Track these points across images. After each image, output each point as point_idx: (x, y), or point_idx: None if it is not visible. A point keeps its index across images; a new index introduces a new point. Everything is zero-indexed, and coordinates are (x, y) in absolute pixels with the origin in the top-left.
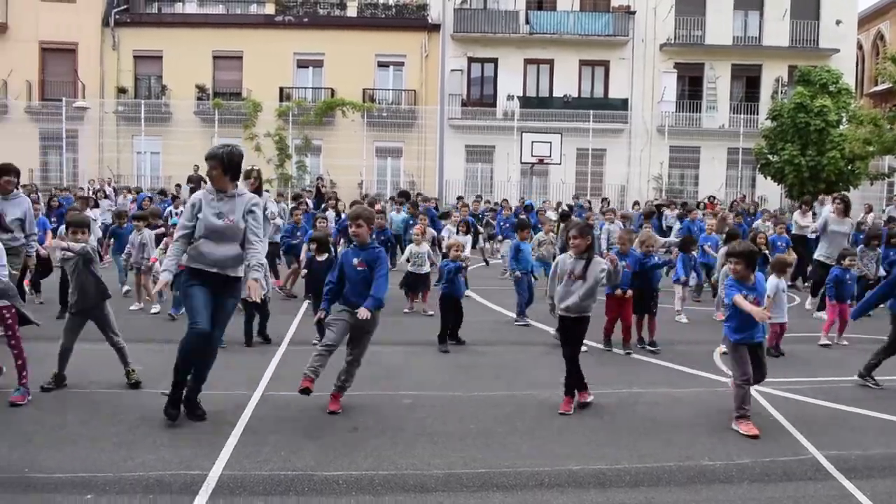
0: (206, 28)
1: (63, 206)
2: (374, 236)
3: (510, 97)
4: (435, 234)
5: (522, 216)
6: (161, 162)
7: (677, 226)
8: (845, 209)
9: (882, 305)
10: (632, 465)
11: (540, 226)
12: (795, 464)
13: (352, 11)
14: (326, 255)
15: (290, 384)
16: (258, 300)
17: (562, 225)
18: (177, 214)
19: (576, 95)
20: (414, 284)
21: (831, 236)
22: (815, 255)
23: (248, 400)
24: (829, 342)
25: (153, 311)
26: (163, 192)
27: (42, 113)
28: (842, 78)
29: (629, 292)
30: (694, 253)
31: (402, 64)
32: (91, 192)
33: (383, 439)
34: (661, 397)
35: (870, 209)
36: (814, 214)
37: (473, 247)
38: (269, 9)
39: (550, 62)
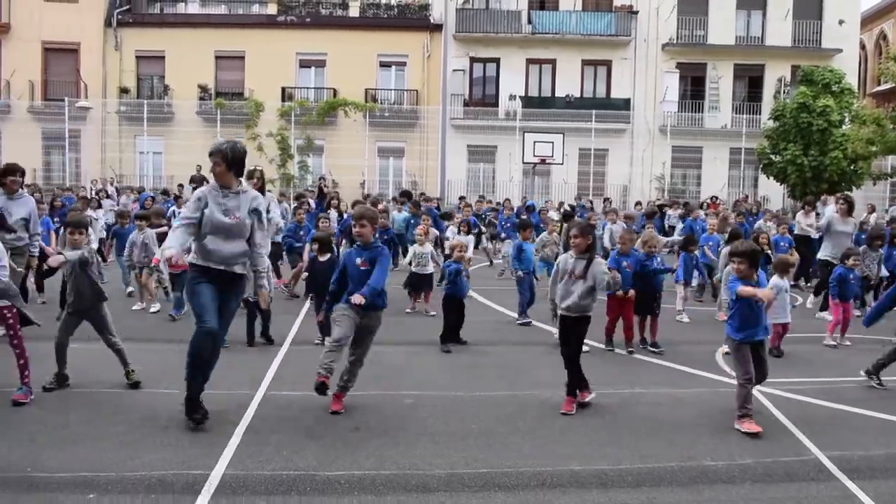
0: (208, 28)
1: (66, 206)
2: (376, 236)
3: (512, 97)
4: (438, 233)
5: (524, 216)
6: (163, 162)
7: (680, 225)
8: (849, 209)
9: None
10: (634, 465)
11: (543, 226)
12: (798, 464)
13: (354, 11)
14: (329, 256)
15: (292, 384)
16: (265, 307)
17: (565, 225)
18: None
19: (578, 95)
20: (418, 284)
21: (835, 236)
22: (820, 255)
23: (251, 400)
24: (835, 342)
25: (153, 309)
26: (165, 192)
27: (45, 113)
28: (844, 78)
29: (631, 292)
30: (696, 252)
31: (404, 64)
32: (93, 193)
33: (385, 439)
34: (664, 397)
35: (872, 209)
36: (817, 215)
37: (476, 247)
38: (272, 9)
39: (553, 62)
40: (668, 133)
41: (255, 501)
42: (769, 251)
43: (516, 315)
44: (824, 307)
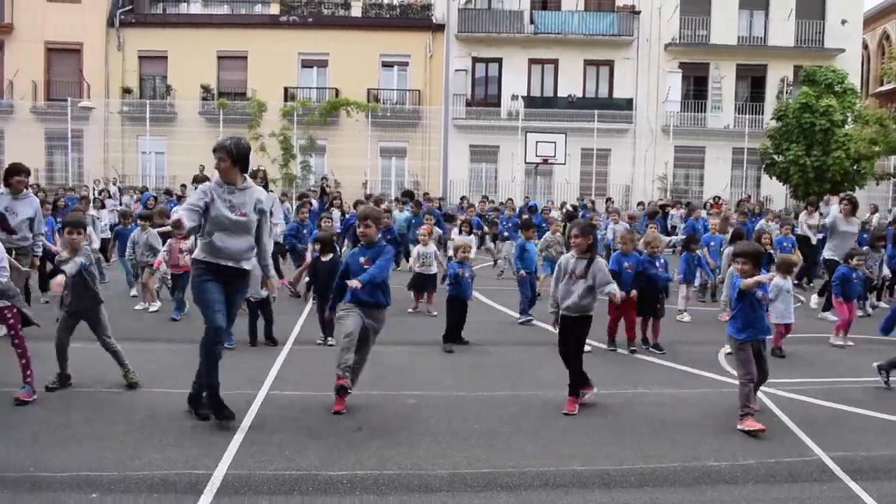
0: (210, 28)
1: (69, 206)
2: (379, 235)
3: (514, 97)
4: (441, 232)
5: (526, 216)
6: (166, 162)
7: (682, 226)
8: (853, 209)
9: (884, 305)
10: (636, 465)
11: (546, 226)
12: (801, 465)
13: (356, 11)
14: (331, 256)
15: (294, 384)
16: (274, 295)
17: (568, 225)
18: None
19: (580, 95)
20: (422, 285)
21: (840, 236)
22: (826, 255)
23: (253, 400)
24: (842, 343)
25: (152, 309)
26: (168, 192)
27: (47, 113)
28: (847, 78)
29: (633, 292)
30: (698, 252)
31: (406, 64)
32: (96, 193)
33: (388, 439)
34: (666, 398)
35: (875, 209)
36: (820, 215)
37: (480, 247)
38: (274, 9)
39: (555, 62)
40: (670, 133)
41: (258, 501)
42: (771, 251)
43: (518, 315)
44: (827, 308)
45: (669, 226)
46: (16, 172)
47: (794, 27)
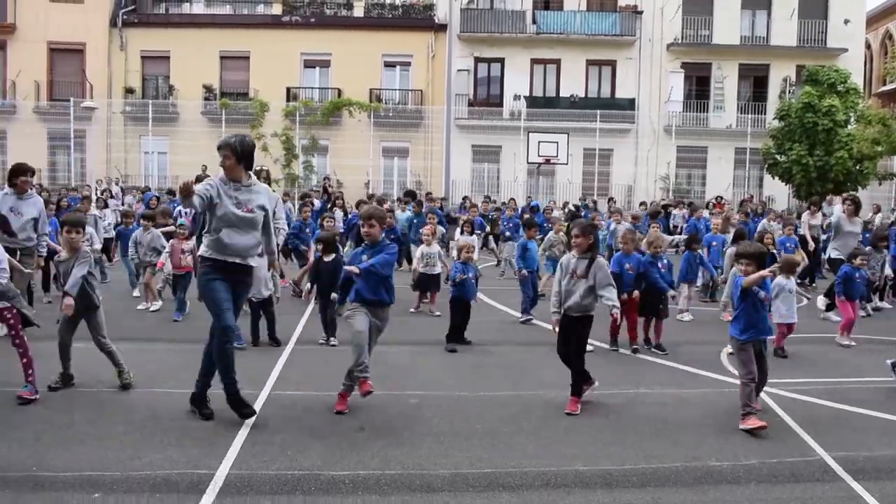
0: (213, 28)
1: (71, 206)
2: (383, 235)
3: (517, 97)
4: (444, 230)
5: (527, 216)
6: (168, 162)
7: (685, 226)
8: (856, 209)
9: (887, 305)
10: (638, 465)
11: (548, 226)
12: (803, 465)
13: (358, 11)
14: (333, 256)
15: (296, 384)
16: (277, 295)
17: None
18: (185, 214)
19: (582, 95)
20: (426, 284)
21: (844, 236)
22: (831, 255)
23: (255, 399)
24: (849, 342)
25: (153, 308)
26: (171, 192)
27: (50, 113)
28: (850, 77)
29: (635, 293)
30: (700, 251)
31: (408, 64)
32: (98, 192)
33: (390, 439)
34: (668, 398)
35: (878, 209)
36: (823, 215)
37: (484, 247)
38: (276, 9)
39: (557, 62)
40: (672, 133)
41: (260, 501)
42: (774, 250)
43: (519, 314)
44: (830, 308)
45: (672, 226)
46: (21, 172)
47: (796, 27)
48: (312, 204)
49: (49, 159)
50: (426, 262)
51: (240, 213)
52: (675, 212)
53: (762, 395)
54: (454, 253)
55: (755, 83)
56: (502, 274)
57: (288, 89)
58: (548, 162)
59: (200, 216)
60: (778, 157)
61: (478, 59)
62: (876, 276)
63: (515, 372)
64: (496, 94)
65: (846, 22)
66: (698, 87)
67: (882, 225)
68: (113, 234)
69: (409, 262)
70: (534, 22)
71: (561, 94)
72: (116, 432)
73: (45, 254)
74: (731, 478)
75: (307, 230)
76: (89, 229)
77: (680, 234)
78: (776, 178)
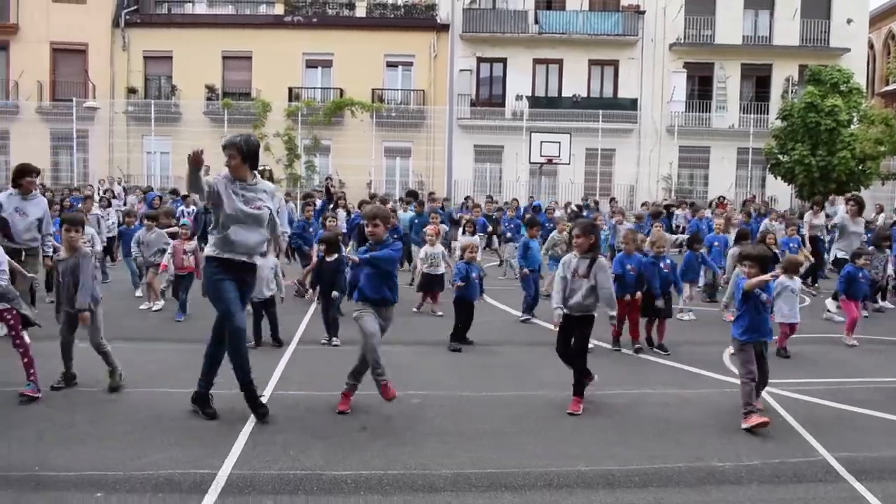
0: (215, 28)
1: (75, 206)
2: (387, 234)
3: (519, 97)
4: (447, 229)
5: (529, 215)
6: (171, 162)
7: (687, 226)
8: (859, 210)
9: (889, 305)
10: (641, 465)
11: (550, 225)
12: (805, 465)
13: (361, 11)
14: (336, 256)
15: (298, 384)
16: (282, 296)
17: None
18: (187, 214)
19: (585, 95)
20: (429, 285)
21: (848, 237)
22: (837, 255)
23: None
24: (855, 342)
25: (155, 308)
26: (174, 192)
27: (53, 113)
28: (853, 77)
29: (638, 294)
30: (702, 251)
31: (410, 64)
32: (101, 192)
33: (392, 439)
34: (671, 398)
35: (881, 209)
36: (826, 216)
37: (486, 247)
38: (279, 9)
39: (559, 62)
40: (675, 133)
41: (262, 501)
42: (777, 251)
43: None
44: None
45: (674, 226)
46: (26, 173)
47: (799, 26)
48: (314, 204)
49: (52, 159)
50: (430, 262)
51: (248, 209)
52: (677, 212)
53: (764, 395)
54: (457, 253)
55: (758, 83)
56: (504, 274)
57: (290, 89)
58: (550, 162)
59: (203, 215)
60: (780, 157)
61: (480, 59)
62: (879, 275)
63: (518, 372)
64: (498, 94)
65: (849, 21)
66: (701, 86)
67: (885, 225)
68: (116, 233)
69: (410, 261)
70: (536, 22)
71: (563, 94)
72: (118, 432)
73: (50, 253)
74: (733, 478)
75: (310, 230)
76: (90, 230)
77: (683, 234)
78: (779, 178)
